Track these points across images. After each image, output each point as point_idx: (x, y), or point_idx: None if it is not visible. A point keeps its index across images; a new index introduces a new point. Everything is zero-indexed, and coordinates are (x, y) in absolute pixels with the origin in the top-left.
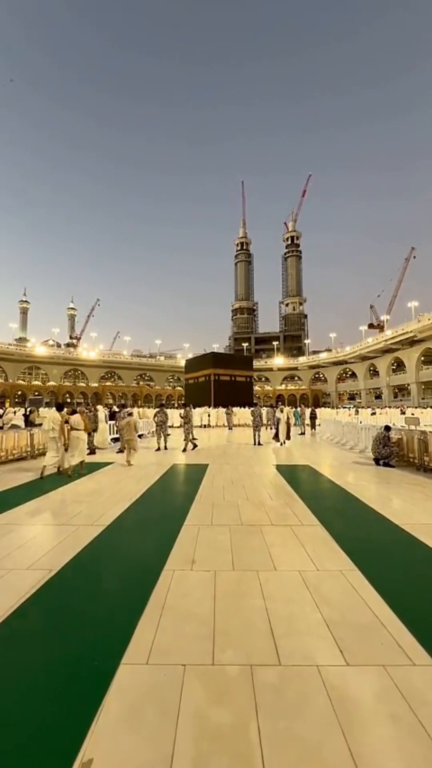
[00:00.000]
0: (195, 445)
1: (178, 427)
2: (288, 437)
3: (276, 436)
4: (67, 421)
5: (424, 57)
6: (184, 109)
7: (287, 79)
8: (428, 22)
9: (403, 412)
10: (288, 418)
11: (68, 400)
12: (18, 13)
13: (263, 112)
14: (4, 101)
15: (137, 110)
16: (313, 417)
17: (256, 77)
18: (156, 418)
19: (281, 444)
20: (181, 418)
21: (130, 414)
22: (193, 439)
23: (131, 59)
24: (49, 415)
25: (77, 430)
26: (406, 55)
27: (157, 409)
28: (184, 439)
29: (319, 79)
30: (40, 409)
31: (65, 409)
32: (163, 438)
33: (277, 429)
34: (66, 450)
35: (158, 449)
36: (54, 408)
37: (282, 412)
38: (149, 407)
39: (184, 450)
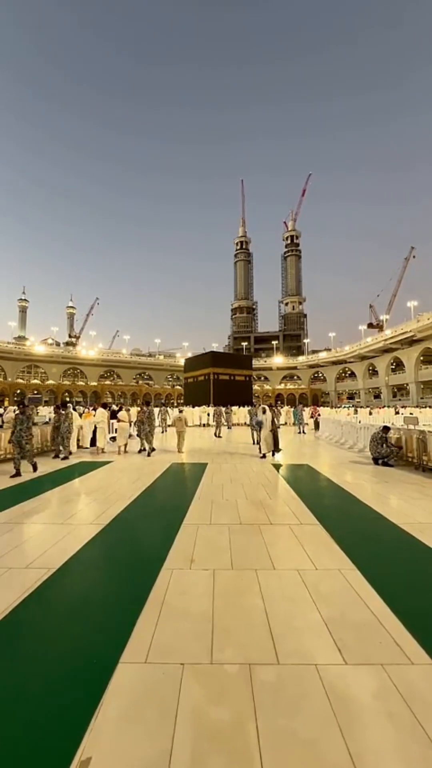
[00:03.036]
0: (151, 450)
1: (171, 425)
2: (277, 448)
3: (258, 446)
4: (115, 416)
5: (426, 61)
6: (184, 111)
7: (288, 81)
8: (430, 26)
9: (397, 412)
10: (274, 421)
11: (67, 399)
12: (22, 18)
13: (264, 115)
14: (6, 103)
15: (138, 113)
16: (316, 418)
17: (256, 80)
18: (138, 417)
19: (263, 456)
20: (142, 418)
21: (181, 411)
22: (150, 444)
23: (133, 63)
24: (98, 412)
25: (122, 422)
26: (408, 58)
27: (139, 408)
28: (146, 441)
29: (320, 82)
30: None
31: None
32: (147, 439)
33: (259, 436)
34: (113, 440)
35: (141, 450)
36: (101, 407)
37: (265, 413)
38: (101, 406)
39: (140, 452)
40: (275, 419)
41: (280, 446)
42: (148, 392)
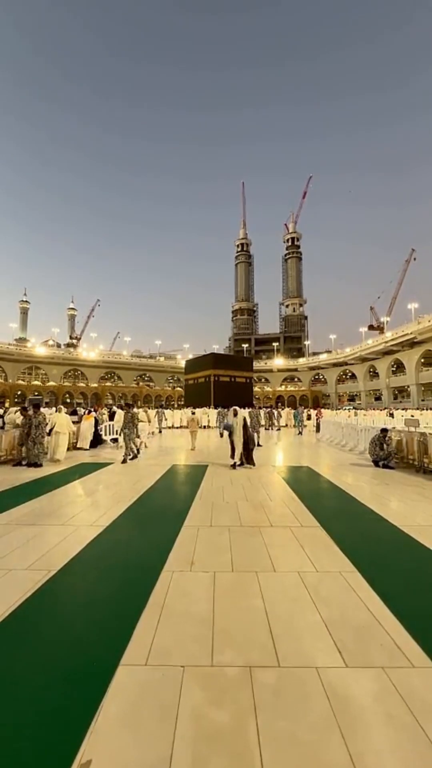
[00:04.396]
0: (136, 455)
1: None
2: (250, 458)
3: (231, 454)
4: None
5: (429, 63)
6: (185, 113)
7: (289, 83)
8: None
9: (390, 414)
10: (247, 425)
11: (67, 400)
12: (22, 21)
13: (264, 117)
14: (8, 105)
15: (139, 114)
16: (318, 420)
17: (257, 82)
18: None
19: (234, 466)
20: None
21: (193, 413)
22: (137, 447)
23: (133, 64)
24: (119, 413)
25: (142, 422)
26: (410, 61)
27: (123, 411)
28: (126, 447)
29: (321, 84)
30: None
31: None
32: (128, 446)
33: (231, 444)
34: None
35: (123, 460)
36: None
37: (236, 416)
38: (148, 408)
39: (124, 461)
40: (247, 425)
41: (244, 460)
42: (149, 393)
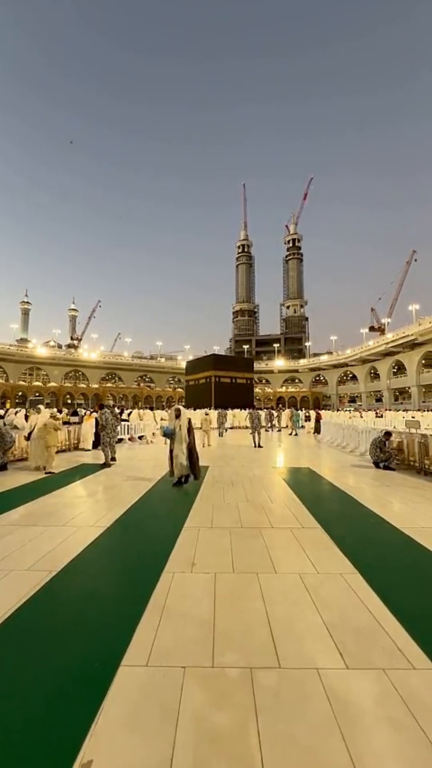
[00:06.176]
0: (107, 464)
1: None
2: (195, 471)
3: (170, 471)
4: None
5: (431, 63)
6: (185, 110)
7: (290, 81)
8: None
9: (379, 416)
10: (192, 431)
11: (68, 401)
12: (19, 15)
13: (266, 115)
14: (6, 104)
15: (138, 112)
16: (317, 420)
17: (258, 79)
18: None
19: (175, 483)
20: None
21: (207, 413)
22: (111, 454)
23: (131, 60)
24: (146, 413)
25: (164, 420)
26: (413, 60)
27: (101, 410)
28: (104, 452)
29: (323, 82)
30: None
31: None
32: (110, 449)
33: (170, 454)
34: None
35: (104, 464)
36: (149, 410)
37: (178, 417)
38: (149, 408)
39: (103, 465)
40: (192, 432)
41: (188, 474)
42: (150, 394)
